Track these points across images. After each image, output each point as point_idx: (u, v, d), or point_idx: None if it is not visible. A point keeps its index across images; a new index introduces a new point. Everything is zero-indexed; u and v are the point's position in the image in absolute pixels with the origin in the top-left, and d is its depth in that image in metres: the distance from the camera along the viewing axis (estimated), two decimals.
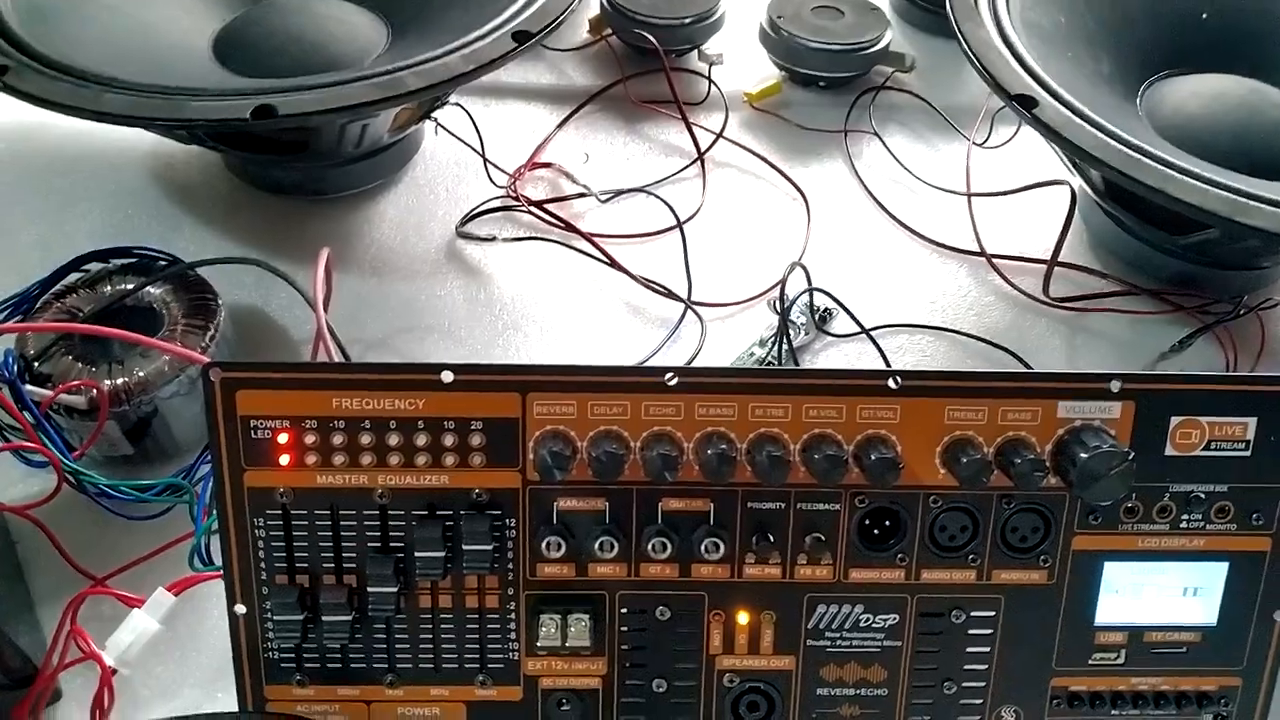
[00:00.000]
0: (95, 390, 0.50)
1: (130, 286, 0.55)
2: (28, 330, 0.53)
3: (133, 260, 0.57)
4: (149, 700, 0.47)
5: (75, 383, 0.50)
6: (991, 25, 0.61)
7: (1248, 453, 0.43)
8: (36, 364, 0.52)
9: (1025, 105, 0.56)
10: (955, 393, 0.42)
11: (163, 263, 0.57)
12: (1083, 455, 0.41)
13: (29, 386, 0.50)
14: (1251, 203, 0.52)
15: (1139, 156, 0.54)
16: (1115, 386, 0.42)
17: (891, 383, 0.42)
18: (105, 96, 0.54)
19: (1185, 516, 0.44)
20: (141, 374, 0.51)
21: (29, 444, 0.49)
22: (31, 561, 0.50)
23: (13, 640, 0.45)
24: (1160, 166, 0.53)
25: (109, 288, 0.55)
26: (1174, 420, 0.43)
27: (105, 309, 0.54)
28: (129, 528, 0.50)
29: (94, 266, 0.56)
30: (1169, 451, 0.43)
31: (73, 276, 0.56)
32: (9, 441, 0.51)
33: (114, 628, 0.45)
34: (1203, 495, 0.44)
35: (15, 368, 0.50)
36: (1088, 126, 0.55)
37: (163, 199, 0.68)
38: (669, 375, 0.41)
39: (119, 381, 0.51)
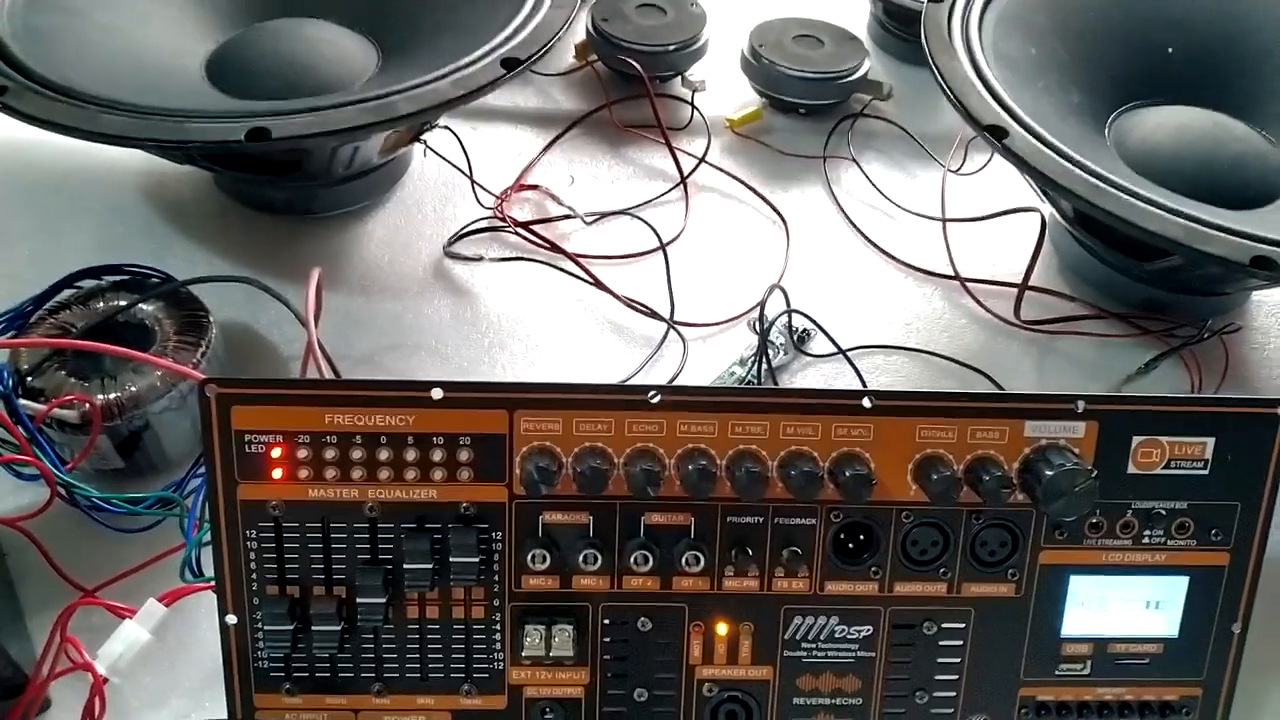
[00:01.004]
0: (88, 405, 0.51)
1: (123, 303, 0.56)
2: (22, 345, 0.53)
3: (125, 277, 0.58)
4: (138, 710, 0.47)
5: (69, 397, 0.51)
6: (965, 57, 0.62)
7: (1206, 471, 0.45)
8: (30, 379, 0.52)
9: (996, 135, 0.58)
10: (926, 412, 0.43)
11: (155, 280, 0.58)
12: (1048, 473, 0.42)
13: (23, 400, 0.50)
14: (1210, 231, 0.54)
15: (1104, 185, 0.55)
16: (1080, 407, 0.44)
17: (866, 402, 0.43)
18: (103, 117, 0.55)
19: (1147, 532, 0.45)
20: (133, 389, 0.52)
21: (22, 457, 0.49)
22: (22, 574, 0.51)
23: (3, 649, 0.45)
24: (1124, 195, 0.55)
25: (102, 304, 0.56)
26: (1135, 440, 0.44)
27: (98, 325, 0.55)
28: (120, 540, 0.51)
29: (87, 283, 0.57)
30: (1131, 470, 0.44)
31: (66, 293, 0.56)
32: (1, 455, 0.51)
33: (104, 639, 0.45)
34: (1163, 512, 0.45)
35: (9, 382, 0.51)
36: (1055, 156, 0.57)
37: (154, 217, 0.68)
38: (652, 393, 0.43)
39: (111, 396, 0.52)
